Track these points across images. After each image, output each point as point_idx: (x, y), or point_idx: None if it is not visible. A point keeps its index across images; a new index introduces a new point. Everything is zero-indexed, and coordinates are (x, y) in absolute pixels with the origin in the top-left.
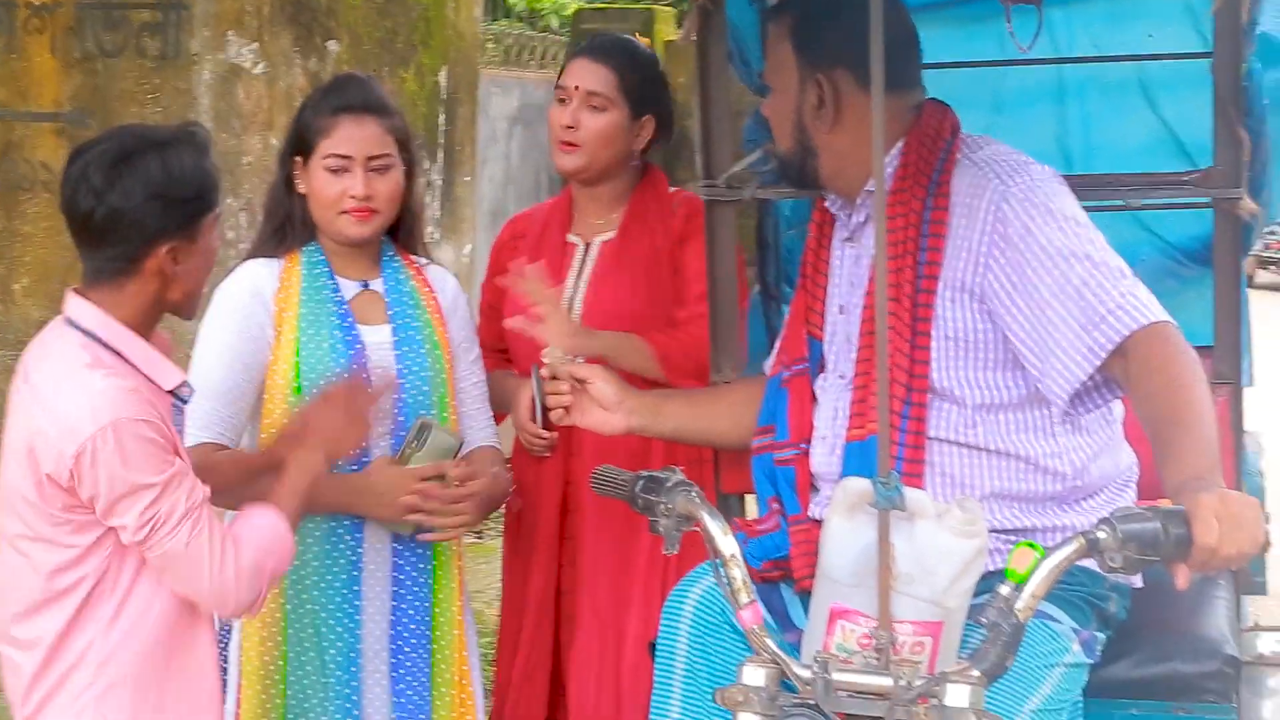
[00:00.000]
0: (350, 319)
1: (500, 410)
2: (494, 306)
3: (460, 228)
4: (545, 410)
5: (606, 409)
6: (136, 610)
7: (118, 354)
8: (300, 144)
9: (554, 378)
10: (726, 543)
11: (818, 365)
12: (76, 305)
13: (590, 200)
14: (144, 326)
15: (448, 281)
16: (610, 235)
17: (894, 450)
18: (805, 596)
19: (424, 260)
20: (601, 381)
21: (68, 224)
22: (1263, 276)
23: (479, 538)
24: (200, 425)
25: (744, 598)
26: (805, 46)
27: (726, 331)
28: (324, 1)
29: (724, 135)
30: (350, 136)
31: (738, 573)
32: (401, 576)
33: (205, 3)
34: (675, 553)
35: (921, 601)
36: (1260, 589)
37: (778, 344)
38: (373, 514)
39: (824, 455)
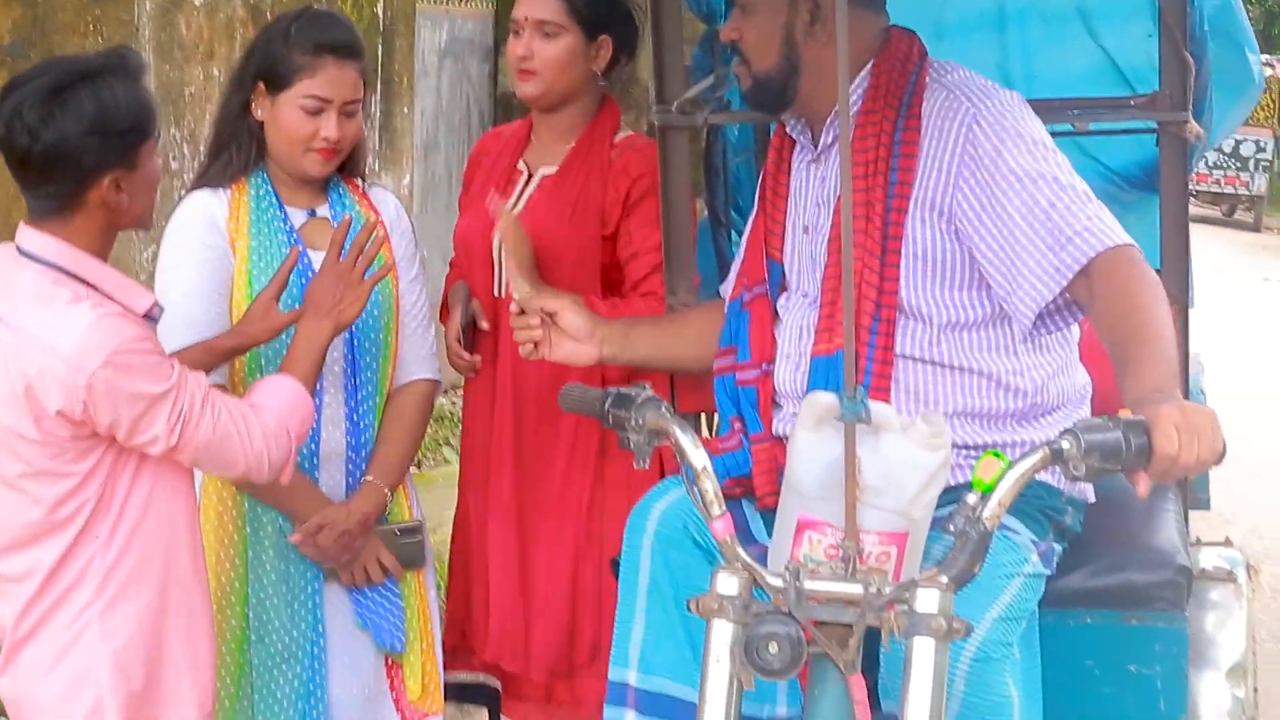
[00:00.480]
0: (302, 247)
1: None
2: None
3: (400, 159)
4: (474, 331)
5: (578, 340)
6: (130, 524)
7: (87, 283)
8: (270, 73)
9: (522, 312)
10: (698, 455)
11: (778, 286)
12: (33, 237)
13: (546, 127)
14: (101, 251)
15: (389, 200)
16: (552, 170)
17: (861, 366)
18: (766, 514)
19: (365, 184)
20: (572, 314)
21: (5, 161)
22: (1193, 210)
23: (417, 468)
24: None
25: (716, 509)
26: None
27: (680, 255)
28: None
29: (676, 61)
30: (333, 79)
31: (709, 484)
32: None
33: None
34: (645, 467)
35: (887, 512)
36: (1204, 505)
37: (737, 266)
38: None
39: (789, 373)
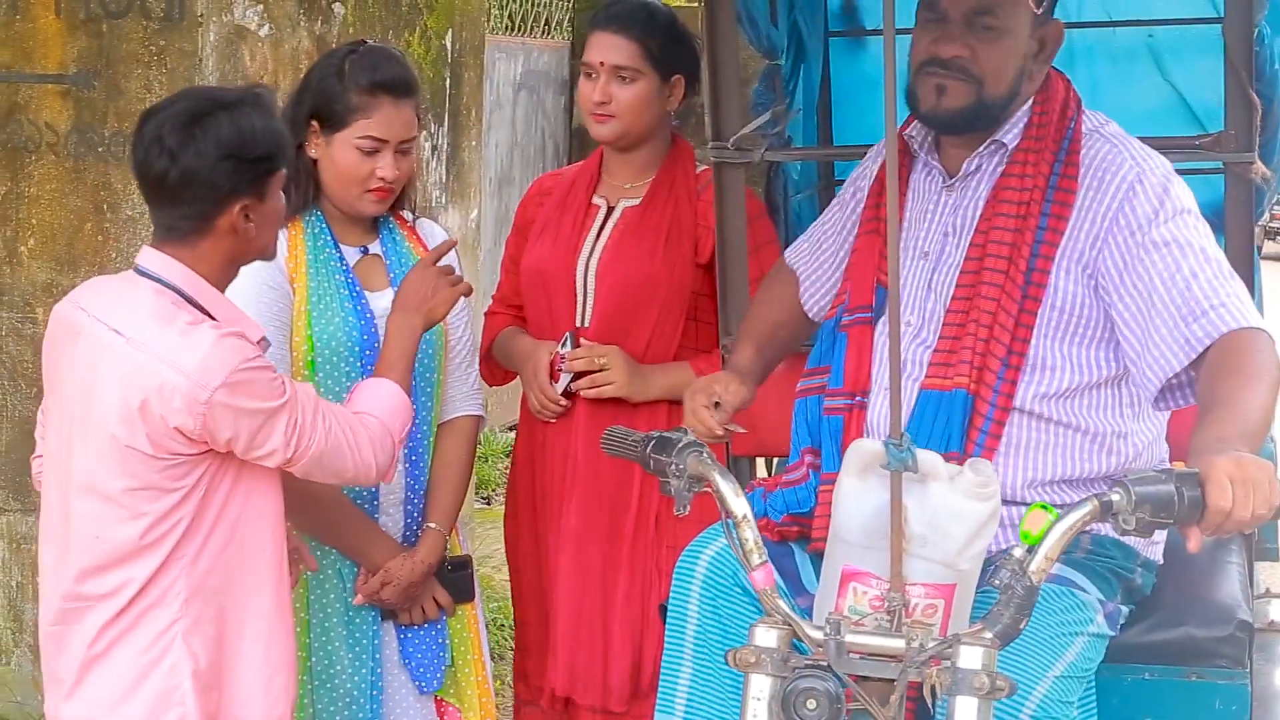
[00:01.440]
0: (358, 288)
1: (509, 368)
2: (515, 261)
3: (466, 193)
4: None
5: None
6: (219, 544)
7: (203, 309)
8: (325, 113)
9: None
10: (738, 504)
11: (880, 312)
12: (155, 259)
13: (622, 165)
14: (221, 281)
15: (436, 233)
16: (635, 201)
17: (982, 411)
18: (818, 559)
19: (412, 216)
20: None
21: (140, 185)
22: (1269, 247)
23: (486, 504)
24: None
25: (756, 559)
26: None
27: (736, 294)
28: None
29: (732, 97)
30: (389, 120)
31: (749, 534)
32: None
33: None
34: (686, 513)
35: (934, 564)
36: (1272, 555)
37: (820, 277)
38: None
39: (886, 407)
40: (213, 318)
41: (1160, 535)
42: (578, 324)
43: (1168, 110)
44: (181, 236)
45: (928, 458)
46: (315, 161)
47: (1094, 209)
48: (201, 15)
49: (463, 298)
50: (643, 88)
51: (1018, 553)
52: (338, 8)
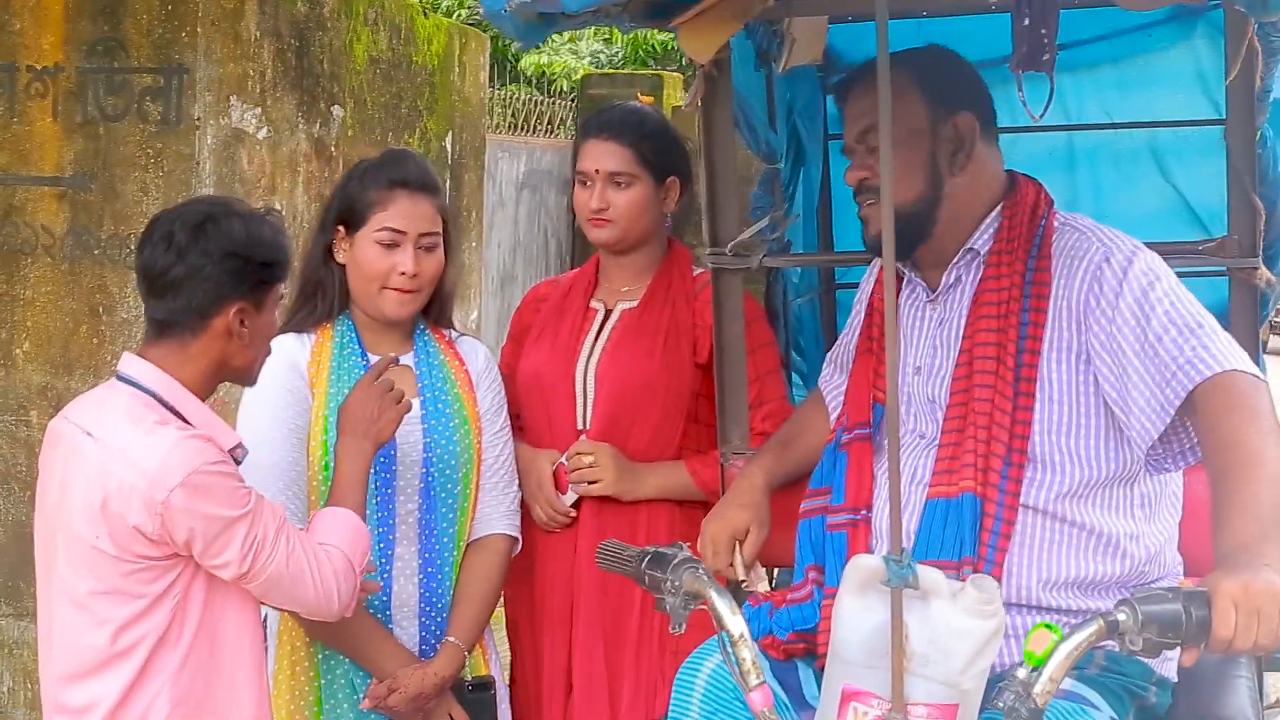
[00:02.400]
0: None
1: None
2: (511, 369)
3: (467, 294)
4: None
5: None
6: (197, 661)
7: (177, 414)
8: (348, 214)
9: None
10: (735, 622)
11: (880, 429)
12: (135, 364)
13: (619, 269)
14: (203, 389)
15: (479, 351)
16: (633, 304)
17: (991, 512)
18: (822, 674)
19: (455, 333)
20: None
21: (141, 280)
22: (1275, 342)
23: None
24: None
25: (753, 679)
26: (935, 92)
27: (734, 397)
28: (327, 66)
29: (730, 202)
30: (406, 212)
31: (747, 653)
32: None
33: (208, 66)
34: (681, 632)
35: (936, 683)
36: None
37: (837, 408)
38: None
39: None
40: (187, 422)
41: (1173, 652)
42: (579, 428)
43: (1170, 212)
44: (175, 335)
45: (929, 574)
46: (344, 269)
47: (1068, 296)
48: (199, 118)
49: (505, 415)
50: (639, 192)
51: (1021, 673)
52: (336, 110)
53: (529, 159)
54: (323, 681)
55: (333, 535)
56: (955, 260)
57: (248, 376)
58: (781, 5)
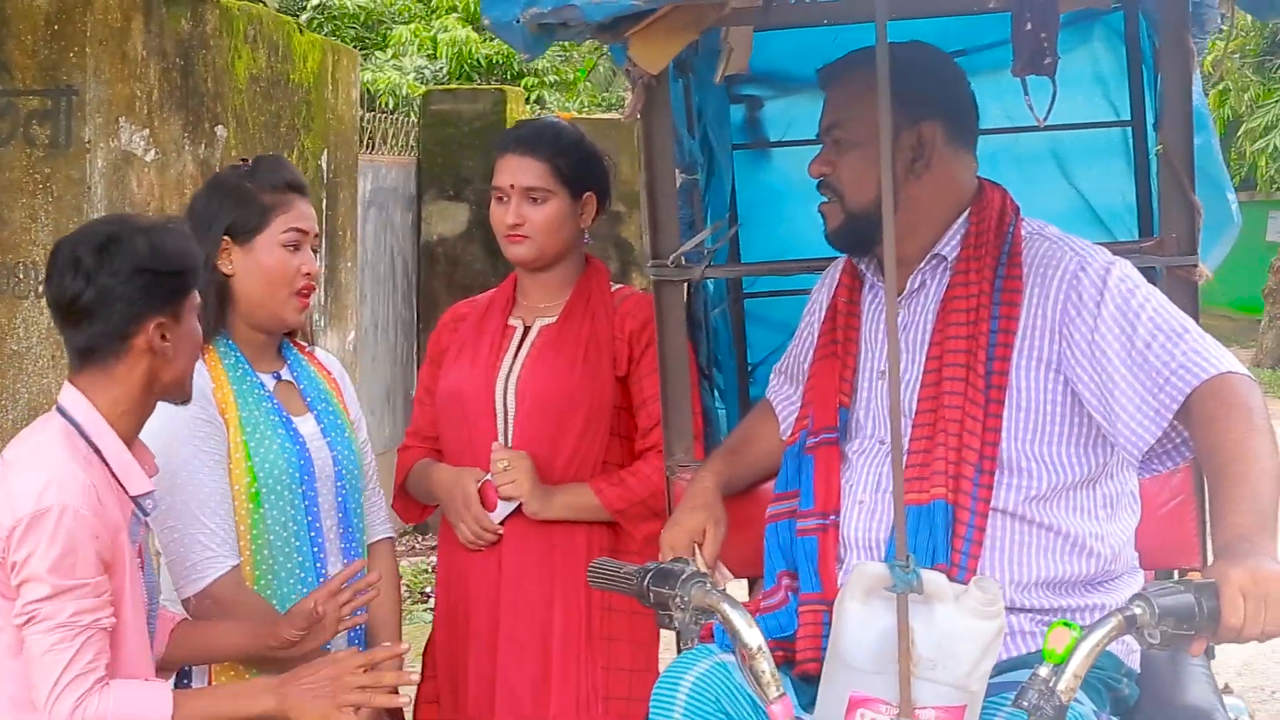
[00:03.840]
0: (284, 413)
1: (427, 502)
2: (430, 391)
3: (345, 314)
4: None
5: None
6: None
7: (94, 448)
8: (239, 223)
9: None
10: (752, 635)
11: (846, 432)
12: (67, 394)
13: (536, 285)
14: (134, 413)
15: (334, 362)
16: (552, 319)
17: (964, 518)
18: (803, 682)
19: (310, 345)
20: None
21: (54, 311)
22: None
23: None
24: (222, 544)
25: (774, 691)
26: (902, 98)
27: (678, 413)
28: (211, 85)
29: (670, 216)
30: (304, 214)
31: (765, 665)
32: None
33: (97, 87)
34: (693, 647)
35: (944, 686)
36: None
37: (797, 409)
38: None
39: (864, 521)
40: (102, 458)
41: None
42: (500, 442)
43: (1074, 214)
44: (98, 361)
45: (933, 578)
46: (228, 279)
47: (1042, 304)
48: (89, 141)
49: (363, 421)
50: (555, 207)
51: (1044, 672)
52: (220, 130)
53: (375, 177)
54: None
55: (123, 696)
56: (921, 265)
57: (180, 391)
58: (741, 14)
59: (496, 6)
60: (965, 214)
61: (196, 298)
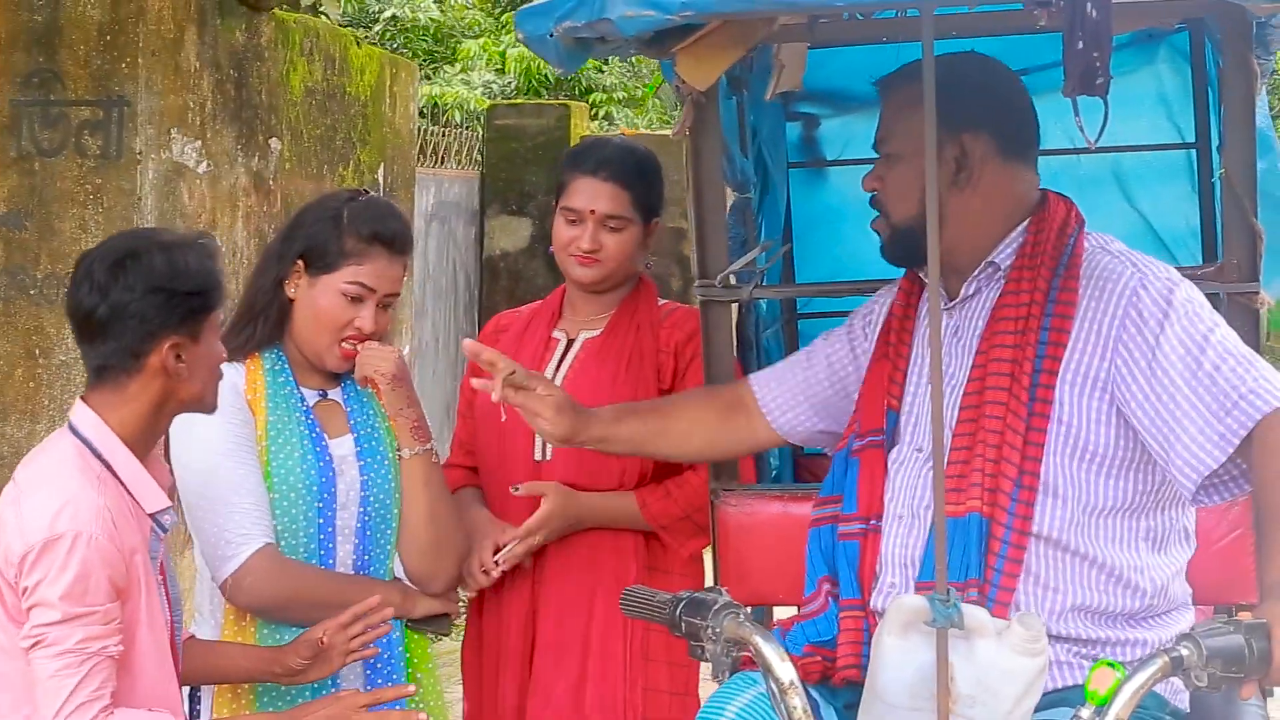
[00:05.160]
0: (318, 429)
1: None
2: (470, 404)
3: (398, 329)
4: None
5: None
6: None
7: (108, 466)
8: (316, 253)
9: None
10: (784, 669)
11: (892, 437)
12: (79, 411)
13: (587, 302)
14: (147, 431)
15: None
16: (596, 333)
17: (999, 535)
18: (843, 697)
19: None
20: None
21: (71, 325)
22: None
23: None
24: (255, 524)
25: None
26: (946, 111)
27: None
28: (265, 97)
29: (718, 235)
30: (380, 271)
31: (798, 701)
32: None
33: (148, 98)
34: (726, 679)
35: None
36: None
37: (795, 412)
38: None
39: (901, 536)
40: (116, 477)
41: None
42: (537, 458)
43: (1136, 237)
44: (111, 378)
45: (974, 612)
46: (291, 302)
47: (1098, 321)
48: (140, 152)
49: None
50: (630, 235)
51: (1085, 714)
52: (274, 143)
53: (438, 190)
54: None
55: None
56: (976, 272)
57: (202, 405)
58: (791, 31)
59: (530, 21)
60: (1024, 225)
61: (218, 317)
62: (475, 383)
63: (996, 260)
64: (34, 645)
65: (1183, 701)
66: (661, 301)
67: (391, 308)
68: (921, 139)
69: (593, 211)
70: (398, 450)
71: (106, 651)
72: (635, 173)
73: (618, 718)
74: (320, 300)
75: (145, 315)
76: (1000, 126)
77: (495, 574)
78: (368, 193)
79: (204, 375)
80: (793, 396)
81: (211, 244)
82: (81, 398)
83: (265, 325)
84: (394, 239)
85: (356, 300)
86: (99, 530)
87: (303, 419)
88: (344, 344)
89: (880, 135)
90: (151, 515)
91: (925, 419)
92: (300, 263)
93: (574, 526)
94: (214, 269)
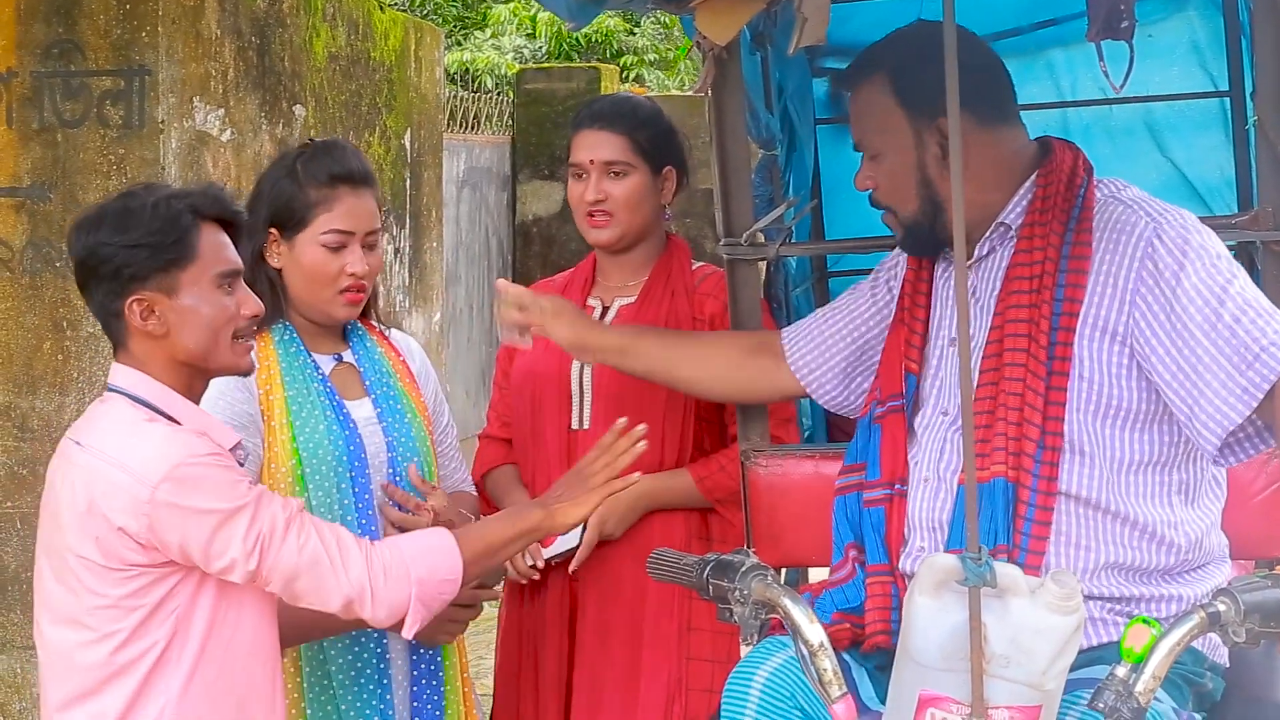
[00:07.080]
0: (336, 396)
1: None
2: (506, 374)
3: (430, 295)
4: None
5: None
6: (207, 679)
7: (166, 415)
8: (283, 215)
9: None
10: (814, 631)
11: (913, 401)
12: (117, 372)
13: (617, 267)
14: (182, 384)
15: (413, 346)
16: (630, 300)
17: (1025, 498)
18: (874, 660)
19: (385, 327)
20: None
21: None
22: None
23: None
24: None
25: (836, 690)
26: (912, 98)
27: None
28: (288, 64)
29: (743, 191)
30: (352, 211)
31: (828, 663)
32: (420, 684)
33: (170, 67)
34: (754, 643)
35: (1018, 684)
36: None
37: (825, 372)
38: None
39: (928, 500)
40: (177, 423)
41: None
42: (574, 427)
43: (1169, 187)
44: (114, 339)
45: (1007, 570)
46: (280, 272)
47: (1113, 273)
48: (163, 122)
49: (445, 404)
50: (636, 181)
51: (1121, 672)
52: (299, 110)
53: (469, 156)
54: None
55: (408, 542)
56: (988, 233)
57: (208, 364)
58: None
59: None
60: (1031, 179)
61: (206, 269)
62: (504, 338)
63: (1007, 220)
64: (261, 553)
65: (1222, 656)
66: (696, 265)
67: (377, 246)
68: (896, 137)
69: (592, 161)
70: None
71: (301, 505)
72: (631, 118)
73: (667, 697)
74: (304, 259)
75: (102, 272)
76: (969, 98)
77: (535, 576)
78: (314, 141)
79: (191, 329)
80: (819, 348)
81: (219, 192)
82: (115, 361)
83: (264, 302)
84: (353, 175)
85: (340, 248)
86: (204, 444)
87: (321, 388)
88: (345, 293)
89: (856, 138)
90: (229, 450)
91: (949, 382)
92: (274, 231)
93: (635, 513)
94: (181, 221)
